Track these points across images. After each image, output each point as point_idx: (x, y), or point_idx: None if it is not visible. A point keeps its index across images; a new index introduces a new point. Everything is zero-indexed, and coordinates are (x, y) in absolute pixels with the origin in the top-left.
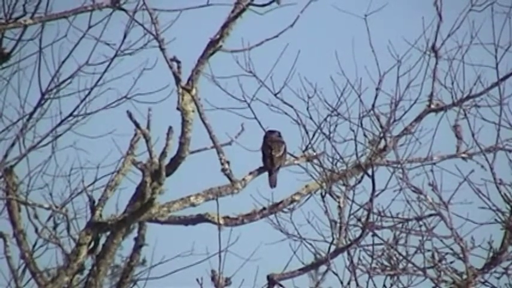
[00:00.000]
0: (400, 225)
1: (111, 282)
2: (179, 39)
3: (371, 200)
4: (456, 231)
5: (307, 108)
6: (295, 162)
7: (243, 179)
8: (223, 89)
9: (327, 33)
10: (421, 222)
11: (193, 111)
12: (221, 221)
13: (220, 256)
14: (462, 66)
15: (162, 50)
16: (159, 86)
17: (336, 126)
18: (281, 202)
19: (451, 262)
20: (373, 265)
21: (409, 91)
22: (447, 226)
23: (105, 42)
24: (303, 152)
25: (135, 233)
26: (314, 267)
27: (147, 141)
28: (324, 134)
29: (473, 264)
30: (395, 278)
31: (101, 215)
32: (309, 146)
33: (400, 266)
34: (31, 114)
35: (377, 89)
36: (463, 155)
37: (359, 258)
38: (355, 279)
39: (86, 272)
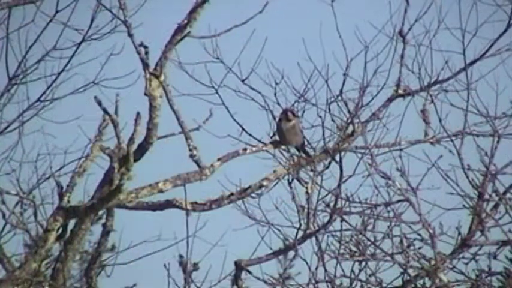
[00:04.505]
0: (368, 210)
1: (80, 268)
2: (146, 24)
3: (339, 186)
4: (424, 217)
5: (275, 94)
6: (263, 148)
7: (212, 165)
8: (190, 75)
9: (294, 19)
10: (389, 208)
11: (161, 96)
12: (189, 207)
13: (188, 241)
14: (430, 51)
15: (130, 35)
16: (126, 71)
17: (304, 112)
18: (249, 187)
19: (420, 248)
20: (342, 251)
21: (376, 76)
22: (415, 212)
23: (72, 27)
24: (271, 137)
25: (103, 219)
26: (282, 253)
27: (115, 126)
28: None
29: (441, 250)
30: (364, 263)
31: (69, 201)
32: (275, 132)
33: (368, 252)
34: None
35: (344, 74)
36: (431, 140)
37: (327, 244)
38: (323, 265)
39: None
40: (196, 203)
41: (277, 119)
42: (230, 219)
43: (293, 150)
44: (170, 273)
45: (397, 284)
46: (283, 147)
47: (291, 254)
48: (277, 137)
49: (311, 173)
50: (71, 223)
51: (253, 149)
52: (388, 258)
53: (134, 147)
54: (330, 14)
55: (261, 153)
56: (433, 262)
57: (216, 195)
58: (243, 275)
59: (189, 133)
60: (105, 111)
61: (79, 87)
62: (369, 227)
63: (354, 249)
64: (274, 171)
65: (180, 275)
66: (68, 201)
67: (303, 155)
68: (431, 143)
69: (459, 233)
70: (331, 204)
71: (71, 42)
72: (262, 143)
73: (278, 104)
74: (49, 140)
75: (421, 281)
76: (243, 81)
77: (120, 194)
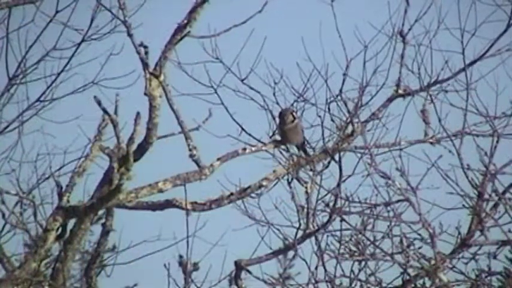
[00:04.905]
0: (368, 210)
1: (80, 268)
2: (146, 24)
3: (338, 186)
4: (424, 217)
5: (274, 94)
6: (263, 147)
7: (211, 165)
8: (189, 75)
9: (294, 19)
10: (389, 208)
11: (160, 96)
12: (189, 206)
13: (187, 241)
14: (429, 51)
15: (130, 35)
16: (126, 71)
17: (303, 111)
18: (249, 187)
19: (419, 247)
20: (341, 250)
21: (376, 76)
22: (415, 211)
23: (72, 27)
24: (270, 137)
25: (103, 219)
26: (282, 253)
27: (115, 126)
28: None
29: (441, 250)
30: (363, 263)
31: (68, 201)
32: (276, 131)
33: (368, 252)
34: None
35: (344, 74)
36: (431, 140)
37: (327, 244)
38: (323, 265)
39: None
40: (196, 202)
41: (277, 118)
42: (230, 219)
43: (293, 149)
44: (170, 273)
45: (397, 283)
46: (282, 146)
47: (291, 253)
48: (277, 136)
49: (310, 173)
50: (71, 223)
51: (253, 148)
52: (388, 258)
53: (134, 147)
54: (330, 13)
55: (261, 153)
56: (433, 262)
57: (216, 195)
58: (243, 274)
59: (188, 133)
60: (105, 111)
61: (79, 87)
62: (369, 227)
63: (353, 249)
64: (274, 171)
65: (180, 275)
66: (68, 201)
67: (303, 154)
68: (431, 143)
69: (459, 233)
70: (331, 204)
71: (71, 42)
72: (262, 142)
73: (277, 103)
74: (49, 140)
75: (421, 281)
76: (242, 81)
77: (119, 193)
